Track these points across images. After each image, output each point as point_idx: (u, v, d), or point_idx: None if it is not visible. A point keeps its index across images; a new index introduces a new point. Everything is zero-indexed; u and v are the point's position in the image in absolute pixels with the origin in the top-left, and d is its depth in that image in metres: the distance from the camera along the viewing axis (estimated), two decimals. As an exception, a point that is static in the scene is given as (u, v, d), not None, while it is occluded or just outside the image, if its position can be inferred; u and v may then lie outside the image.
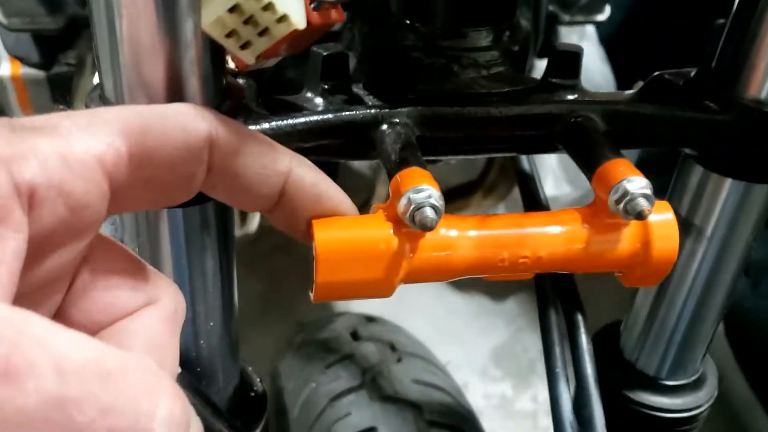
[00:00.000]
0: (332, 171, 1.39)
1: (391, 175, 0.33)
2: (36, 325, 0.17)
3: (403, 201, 0.31)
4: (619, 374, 0.50)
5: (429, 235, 0.33)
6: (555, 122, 0.38)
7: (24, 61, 0.82)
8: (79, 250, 0.24)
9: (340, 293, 0.33)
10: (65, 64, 0.86)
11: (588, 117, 0.38)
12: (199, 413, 0.39)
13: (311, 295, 0.34)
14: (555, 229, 0.34)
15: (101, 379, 0.18)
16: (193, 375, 0.39)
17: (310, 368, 0.67)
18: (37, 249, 0.22)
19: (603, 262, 0.35)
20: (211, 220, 0.36)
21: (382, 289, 0.33)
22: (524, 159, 0.49)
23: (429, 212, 0.31)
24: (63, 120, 0.23)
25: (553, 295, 0.45)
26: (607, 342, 0.51)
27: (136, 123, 0.24)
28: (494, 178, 1.12)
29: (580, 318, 0.44)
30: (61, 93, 0.86)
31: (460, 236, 0.33)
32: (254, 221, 0.97)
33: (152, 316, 0.26)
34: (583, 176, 0.36)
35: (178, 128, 0.25)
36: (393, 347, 0.68)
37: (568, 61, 0.40)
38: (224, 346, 0.41)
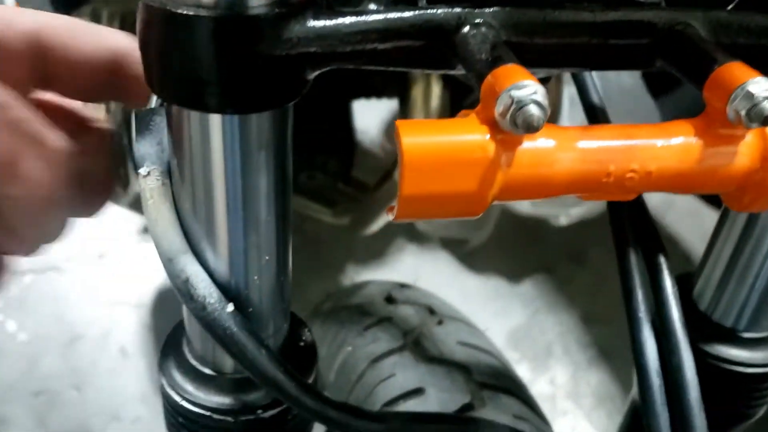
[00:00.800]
0: (350, 152, 1.35)
1: (481, 77, 0.29)
2: None
3: (504, 99, 0.27)
4: (693, 326, 0.46)
5: (527, 143, 0.29)
6: (654, 31, 0.34)
7: (36, 13, 0.77)
8: None
9: (425, 210, 0.29)
10: (78, 20, 0.82)
11: (690, 25, 0.34)
12: (253, 357, 0.35)
13: (390, 215, 0.30)
14: (666, 141, 0.30)
15: None
16: (244, 316, 0.35)
17: (344, 333, 0.63)
18: None
19: (716, 180, 0.31)
20: (268, 133, 0.32)
21: (473, 204, 0.29)
22: (592, 89, 0.45)
23: (534, 110, 0.27)
24: None
25: (633, 235, 0.41)
26: (679, 293, 0.47)
27: None
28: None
29: (662, 259, 0.41)
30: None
31: (563, 146, 0.29)
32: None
33: None
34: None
35: None
36: (431, 310, 0.64)
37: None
38: (278, 286, 0.37)
